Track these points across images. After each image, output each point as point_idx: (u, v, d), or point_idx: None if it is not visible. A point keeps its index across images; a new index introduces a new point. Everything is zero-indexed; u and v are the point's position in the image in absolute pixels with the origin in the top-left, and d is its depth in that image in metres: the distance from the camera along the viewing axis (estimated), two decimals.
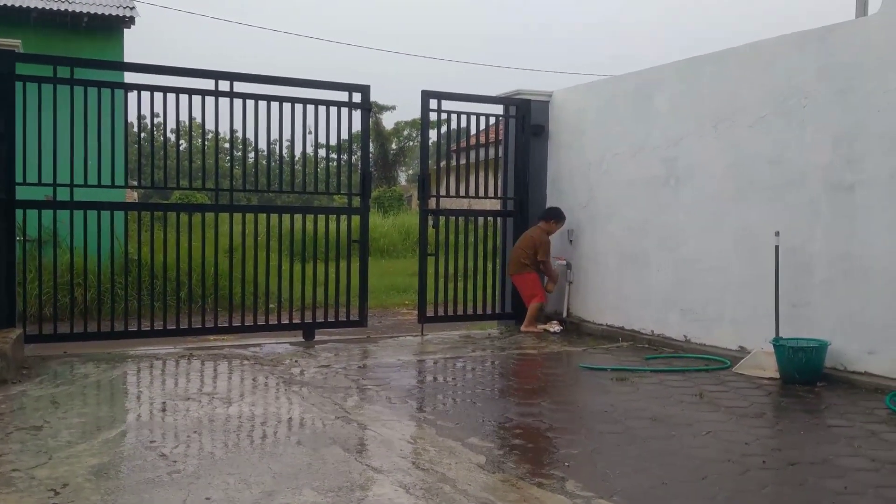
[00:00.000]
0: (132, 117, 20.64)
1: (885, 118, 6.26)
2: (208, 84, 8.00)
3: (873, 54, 6.37)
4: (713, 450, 4.63)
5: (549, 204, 9.82)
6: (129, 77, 9.95)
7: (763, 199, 7.23)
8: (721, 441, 4.81)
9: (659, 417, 5.37)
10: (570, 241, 9.61)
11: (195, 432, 4.91)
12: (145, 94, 7.80)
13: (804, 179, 6.86)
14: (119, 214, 8.21)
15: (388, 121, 46.05)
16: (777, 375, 6.51)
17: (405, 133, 44.47)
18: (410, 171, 47.61)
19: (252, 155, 8.46)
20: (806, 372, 6.33)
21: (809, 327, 6.71)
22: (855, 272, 6.45)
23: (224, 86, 8.02)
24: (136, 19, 14.29)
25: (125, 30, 14.55)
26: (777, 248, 6.86)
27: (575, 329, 9.33)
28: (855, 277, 6.45)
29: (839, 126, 6.60)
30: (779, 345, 6.49)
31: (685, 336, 7.97)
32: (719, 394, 6.05)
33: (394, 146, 45.75)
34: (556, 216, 9.41)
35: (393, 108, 45.16)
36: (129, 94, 8.33)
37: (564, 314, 9.62)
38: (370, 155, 44.00)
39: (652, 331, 8.38)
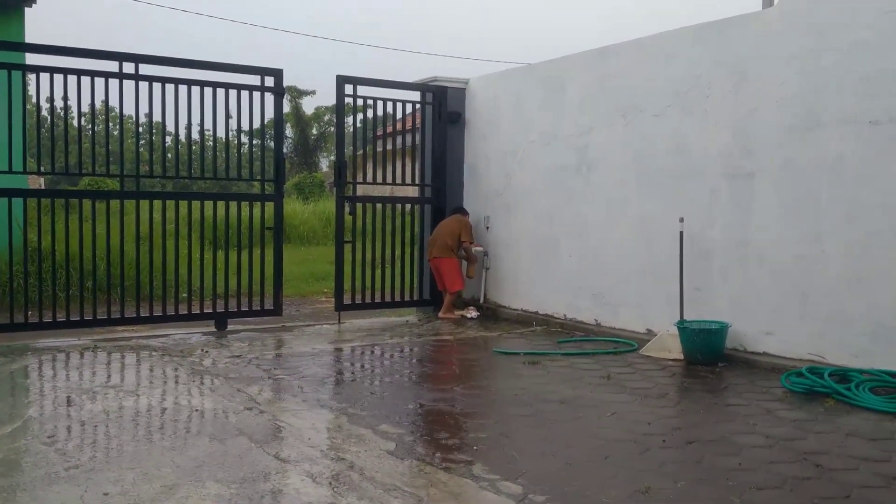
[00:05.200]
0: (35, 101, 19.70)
1: (779, 110, 6.53)
2: (113, 66, 7.73)
3: (768, 47, 6.63)
4: (617, 430, 4.77)
5: (466, 191, 9.95)
6: (31, 59, 9.51)
7: (667, 188, 7.46)
8: (625, 422, 4.96)
9: (567, 400, 5.49)
10: (487, 227, 9.71)
11: (96, 426, 4.77)
12: (47, 77, 7.48)
13: (705, 168, 7.11)
14: (18, 201, 7.84)
15: (308, 105, 45.37)
16: (681, 357, 6.75)
17: (326, 118, 43.88)
18: (332, 157, 47.02)
19: (160, 140, 8.21)
20: (708, 353, 6.58)
21: (712, 310, 6.98)
22: (751, 257, 6.74)
23: (129, 68, 7.76)
24: None
25: (26, 9, 13.85)
26: (681, 233, 7.09)
27: (491, 314, 9.45)
28: (751, 263, 6.74)
29: (737, 117, 6.85)
30: (682, 327, 6.73)
31: (596, 320, 8.17)
32: (626, 375, 6.23)
33: (314, 131, 45.12)
34: (467, 213, 9.66)
35: (313, 92, 44.47)
36: (31, 77, 7.95)
37: (481, 300, 9.72)
38: (289, 140, 43.24)
39: (565, 315, 8.56)
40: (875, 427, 4.86)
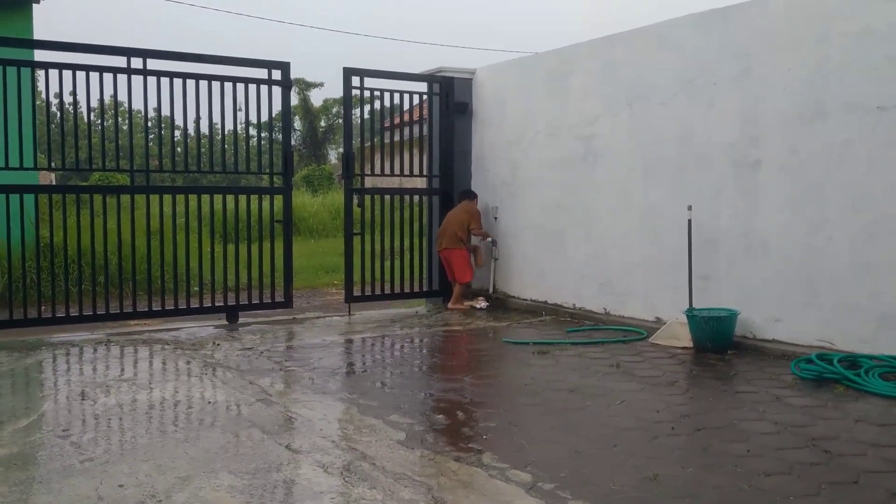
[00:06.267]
0: (44, 97, 19.78)
1: (785, 98, 6.51)
2: (121, 61, 7.78)
3: (774, 34, 6.60)
4: (626, 418, 4.79)
5: (473, 181, 9.94)
6: (39, 55, 9.57)
7: (673, 176, 7.45)
8: (634, 409, 4.98)
9: (576, 388, 5.52)
10: (495, 218, 9.72)
11: (111, 420, 4.83)
12: (56, 73, 7.53)
13: (711, 157, 7.09)
14: (29, 197, 7.90)
15: (316, 98, 45.34)
16: (691, 345, 6.75)
17: (334, 110, 43.85)
18: (340, 149, 46.90)
19: (169, 134, 8.26)
20: (717, 340, 6.58)
21: (720, 298, 6.97)
22: (758, 246, 6.73)
23: (137, 63, 7.80)
24: None
25: (34, 5, 13.90)
26: (690, 221, 7.08)
27: (501, 304, 9.47)
28: (758, 251, 6.73)
29: (743, 105, 6.83)
30: (691, 315, 6.73)
31: (605, 309, 8.18)
32: (635, 364, 6.25)
33: (323, 124, 45.11)
34: (475, 196, 9.63)
35: (321, 85, 44.41)
36: (39, 73, 8.01)
37: (490, 290, 9.75)
38: (297, 133, 43.16)
39: (573, 304, 8.57)
40: (884, 412, 4.86)
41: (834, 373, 5.55)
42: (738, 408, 5.03)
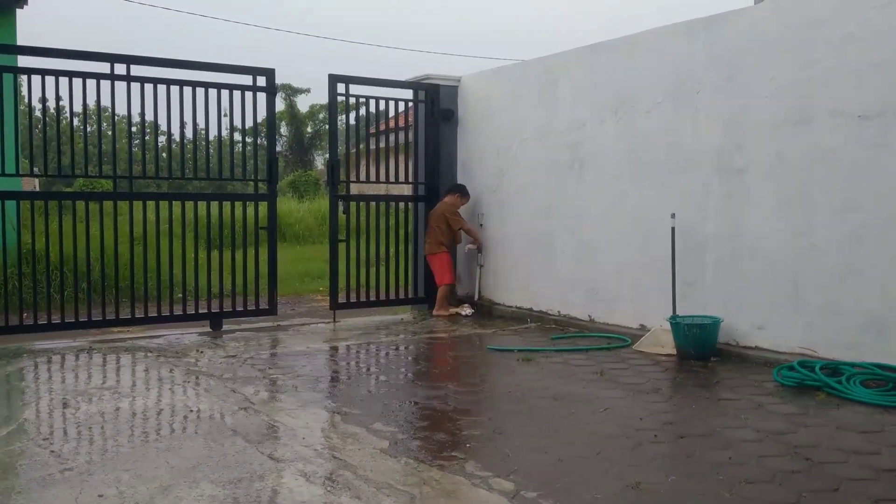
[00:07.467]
0: (27, 102, 19.64)
1: (770, 104, 6.56)
2: (104, 67, 7.73)
3: (758, 42, 6.65)
4: (609, 426, 4.80)
5: None
6: (23, 60, 9.50)
7: (659, 183, 7.48)
8: (617, 417, 4.99)
9: (560, 396, 5.53)
10: (481, 224, 9.73)
11: (91, 428, 4.79)
12: (39, 79, 7.48)
13: (697, 163, 7.13)
14: (11, 204, 7.84)
15: (303, 103, 45.33)
16: (674, 352, 6.78)
17: (321, 116, 43.82)
18: (327, 155, 46.87)
19: (153, 141, 8.21)
20: (700, 347, 6.62)
21: (704, 305, 7.01)
22: (744, 251, 6.76)
23: (121, 69, 7.75)
24: None
25: (18, 10, 13.81)
26: (673, 229, 7.12)
27: (486, 311, 9.48)
28: (744, 256, 6.76)
29: (728, 112, 6.88)
30: (675, 322, 6.76)
31: (590, 316, 8.21)
32: (619, 371, 6.27)
33: (309, 129, 45.09)
34: (462, 191, 9.59)
35: (308, 90, 44.39)
36: (22, 79, 7.95)
37: (476, 297, 9.75)
38: (284, 138, 43.12)
39: (559, 311, 8.59)
40: (865, 420, 4.90)
41: (815, 380, 5.59)
42: (720, 415, 5.05)
